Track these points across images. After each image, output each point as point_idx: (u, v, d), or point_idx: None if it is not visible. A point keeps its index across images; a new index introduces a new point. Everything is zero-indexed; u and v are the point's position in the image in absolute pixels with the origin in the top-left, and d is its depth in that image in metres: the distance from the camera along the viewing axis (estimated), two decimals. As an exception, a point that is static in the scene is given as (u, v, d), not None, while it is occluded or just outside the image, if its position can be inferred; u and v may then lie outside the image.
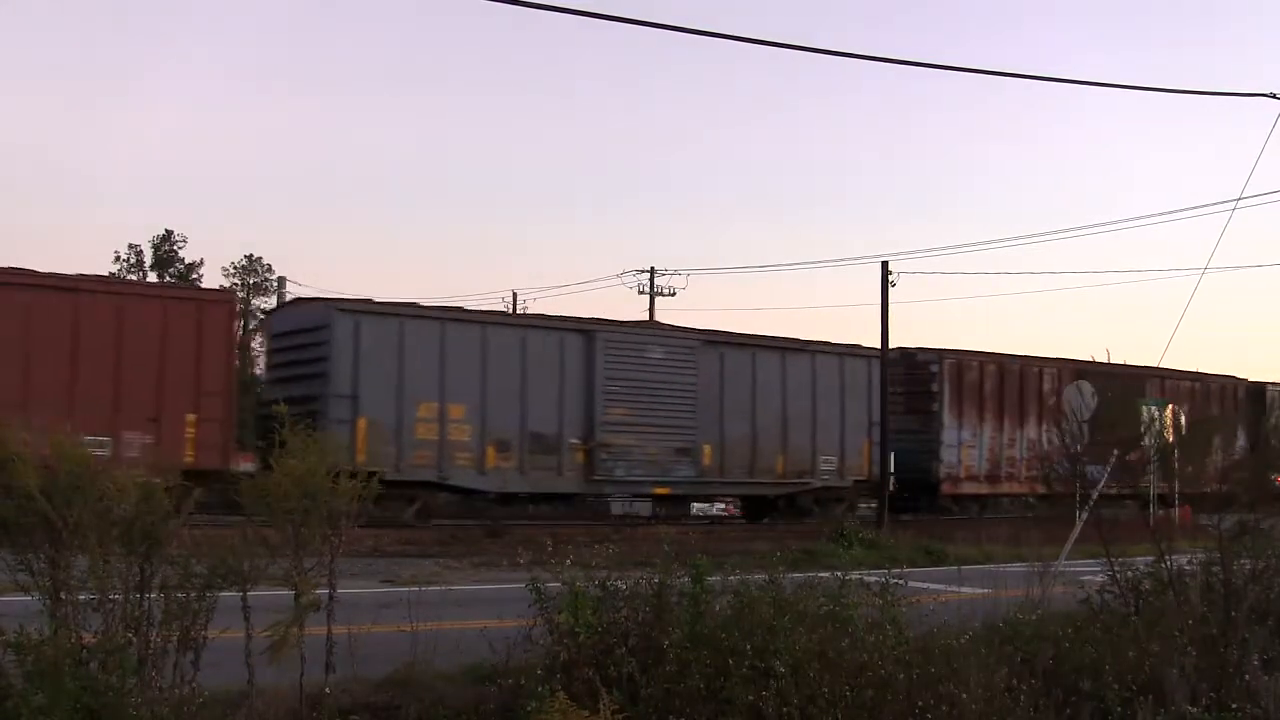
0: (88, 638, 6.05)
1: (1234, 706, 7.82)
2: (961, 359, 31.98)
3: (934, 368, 31.58)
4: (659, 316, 42.22)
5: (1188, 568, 9.68)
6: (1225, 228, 68.53)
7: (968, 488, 31.81)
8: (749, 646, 7.00)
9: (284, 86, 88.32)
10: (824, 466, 28.91)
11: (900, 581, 8.33)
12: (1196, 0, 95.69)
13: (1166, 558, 9.59)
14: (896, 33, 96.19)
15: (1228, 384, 36.87)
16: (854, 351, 29.88)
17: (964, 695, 7.08)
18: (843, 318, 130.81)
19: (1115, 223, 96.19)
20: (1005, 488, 32.67)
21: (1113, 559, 9.80)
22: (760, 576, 7.89)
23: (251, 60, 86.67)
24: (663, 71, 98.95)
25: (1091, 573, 10.85)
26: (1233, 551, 9.45)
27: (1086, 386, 19.12)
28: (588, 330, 25.93)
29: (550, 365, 25.01)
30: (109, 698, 5.75)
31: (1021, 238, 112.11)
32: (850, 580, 8.04)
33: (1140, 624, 8.75)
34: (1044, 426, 30.94)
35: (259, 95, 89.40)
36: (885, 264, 30.45)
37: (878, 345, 30.23)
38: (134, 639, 6.15)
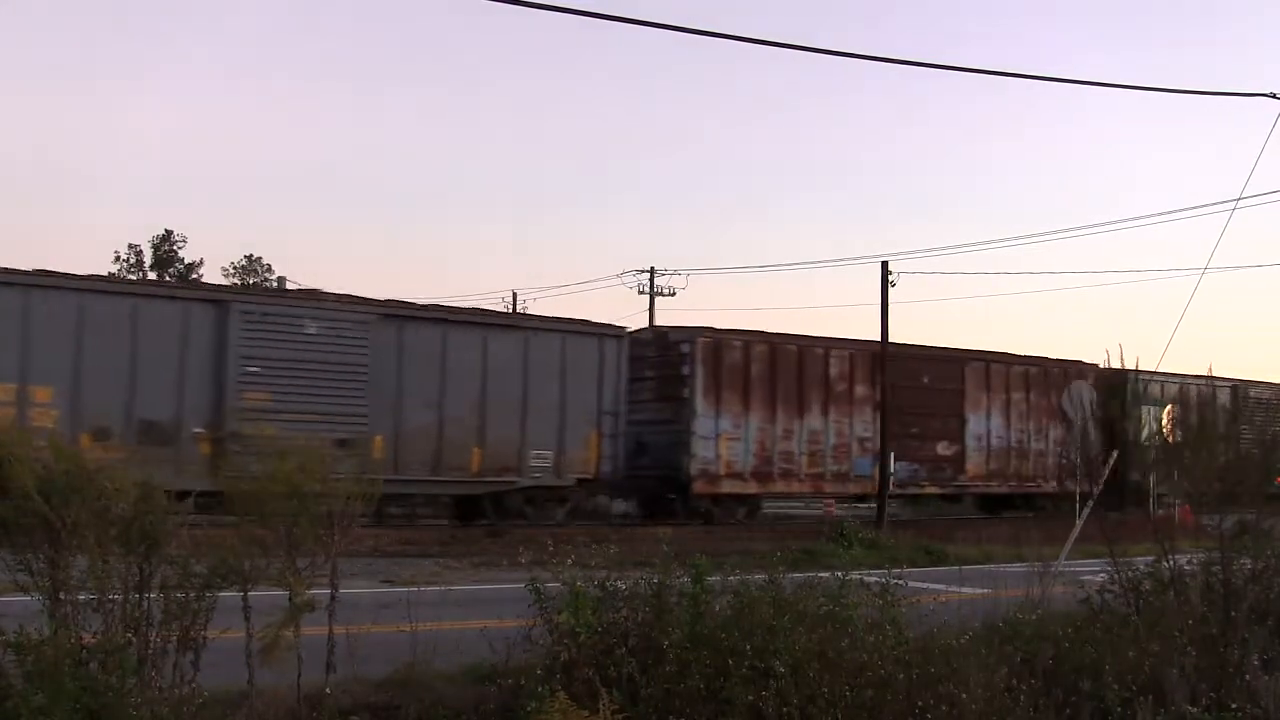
0: (87, 638, 6.05)
1: (1234, 706, 7.82)
2: (721, 338, 27.65)
3: (685, 348, 27.16)
4: (659, 317, 42.26)
5: (1188, 568, 9.68)
6: (1225, 228, 68.48)
7: (729, 487, 27.25)
8: (749, 647, 7.00)
9: (283, 86, 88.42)
10: (536, 462, 24.91)
11: (900, 581, 8.34)
12: (1196, 0, 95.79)
13: (1167, 558, 9.59)
14: (897, 33, 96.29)
15: (1072, 371, 31.62)
16: (581, 329, 25.86)
17: (964, 695, 7.09)
18: (843, 318, 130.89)
19: (1115, 223, 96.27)
20: (779, 487, 28.41)
21: (1113, 559, 9.80)
22: (760, 576, 7.90)
23: (251, 59, 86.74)
24: (663, 71, 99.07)
25: (1091, 573, 10.85)
26: (1233, 551, 9.46)
27: (1086, 389, 19.02)
28: (220, 300, 22.64)
29: (169, 341, 21.45)
30: (109, 698, 5.75)
31: (1021, 238, 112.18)
32: (850, 580, 8.04)
33: (1140, 624, 8.75)
34: (830, 417, 28.49)
35: (259, 95, 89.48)
36: (885, 264, 30.43)
37: (641, 326, 28.13)
38: (133, 639, 6.15)
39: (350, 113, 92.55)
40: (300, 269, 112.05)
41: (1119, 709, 7.69)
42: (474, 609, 9.93)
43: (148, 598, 6.26)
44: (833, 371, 28.97)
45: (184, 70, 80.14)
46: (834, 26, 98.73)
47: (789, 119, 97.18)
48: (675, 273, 47.49)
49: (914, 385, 30.19)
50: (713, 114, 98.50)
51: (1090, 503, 13.10)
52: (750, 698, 6.77)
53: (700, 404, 26.96)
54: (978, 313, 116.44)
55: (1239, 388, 31.64)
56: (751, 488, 28.05)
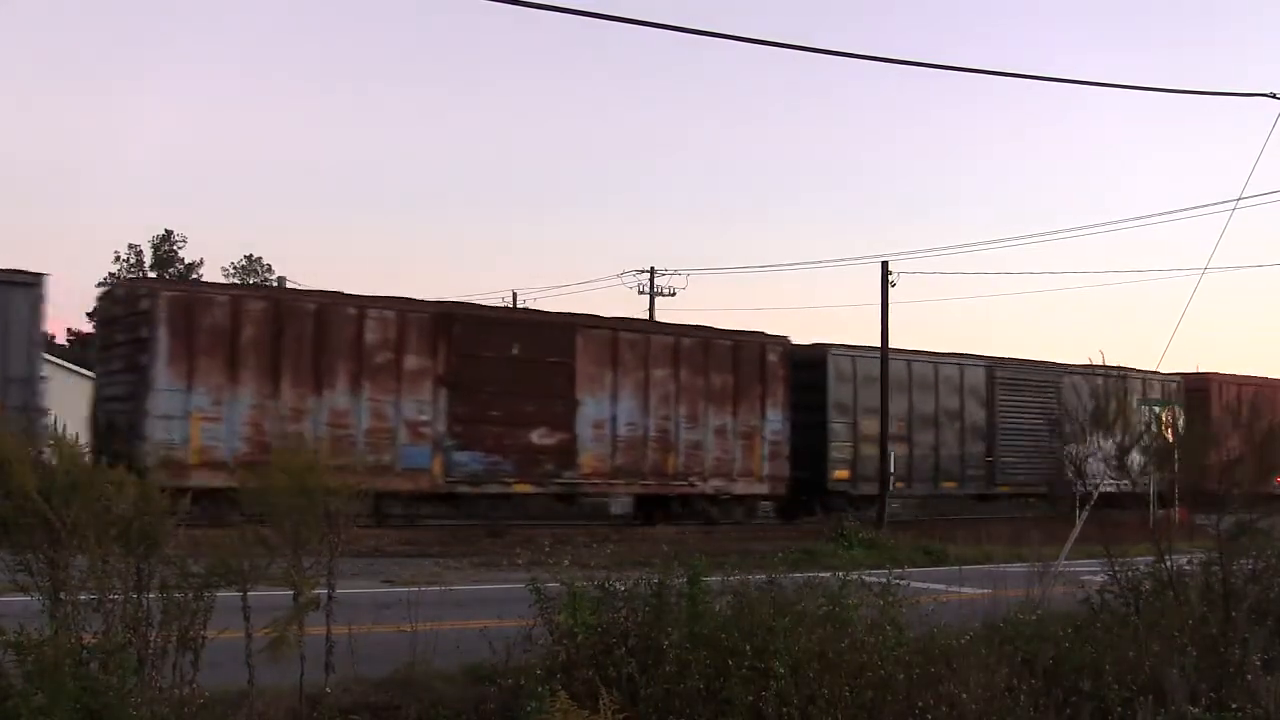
0: (88, 638, 6.06)
1: (1234, 706, 7.82)
2: (196, 294, 22.76)
3: (146, 304, 21.33)
4: (659, 316, 42.18)
5: (1187, 568, 9.69)
6: (1225, 228, 68.49)
7: (203, 479, 19.43)
8: (749, 647, 7.00)
9: (284, 86, 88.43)
10: None
11: (900, 582, 8.34)
12: (1196, 0, 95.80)
13: (1166, 558, 9.60)
14: (896, 33, 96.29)
15: (747, 344, 27.34)
16: None
17: (964, 695, 7.09)
18: (843, 318, 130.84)
19: (1115, 223, 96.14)
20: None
21: (1113, 559, 9.81)
22: (760, 577, 7.90)
23: (251, 60, 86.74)
24: (663, 71, 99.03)
25: (1091, 573, 10.86)
26: (1232, 551, 9.46)
27: (1084, 386, 18.97)
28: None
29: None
30: (109, 698, 5.76)
31: (1021, 238, 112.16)
32: (850, 580, 8.05)
33: (1140, 624, 8.75)
34: (366, 394, 22.47)
35: (259, 95, 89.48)
36: (885, 264, 30.39)
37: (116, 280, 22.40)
38: (133, 639, 6.15)
39: (350, 113, 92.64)
40: (300, 269, 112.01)
41: (1119, 709, 7.70)
42: (474, 609, 9.92)
43: (147, 598, 6.27)
44: (370, 338, 22.76)
45: (184, 70, 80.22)
46: (834, 26, 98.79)
47: (789, 119, 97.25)
48: (675, 273, 47.39)
49: (499, 357, 24.27)
50: (713, 114, 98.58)
51: (1090, 504, 13.09)
52: (750, 698, 6.77)
53: (163, 375, 20.97)
54: (978, 313, 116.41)
55: (993, 366, 31.47)
56: (238, 481, 21.92)
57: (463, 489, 23.78)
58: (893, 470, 28.65)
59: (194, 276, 53.68)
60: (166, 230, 55.70)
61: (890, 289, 30.07)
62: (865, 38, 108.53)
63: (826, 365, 28.72)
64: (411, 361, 23.26)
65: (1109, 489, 11.62)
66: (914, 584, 9.86)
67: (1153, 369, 28.14)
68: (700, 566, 7.59)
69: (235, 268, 57.08)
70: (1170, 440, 11.81)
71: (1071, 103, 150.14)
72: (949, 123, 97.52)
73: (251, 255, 57.58)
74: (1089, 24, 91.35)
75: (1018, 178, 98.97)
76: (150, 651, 6.21)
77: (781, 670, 6.87)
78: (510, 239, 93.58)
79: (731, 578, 7.82)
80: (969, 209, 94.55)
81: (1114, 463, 10.62)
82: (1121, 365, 24.28)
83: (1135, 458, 10.65)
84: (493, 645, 7.59)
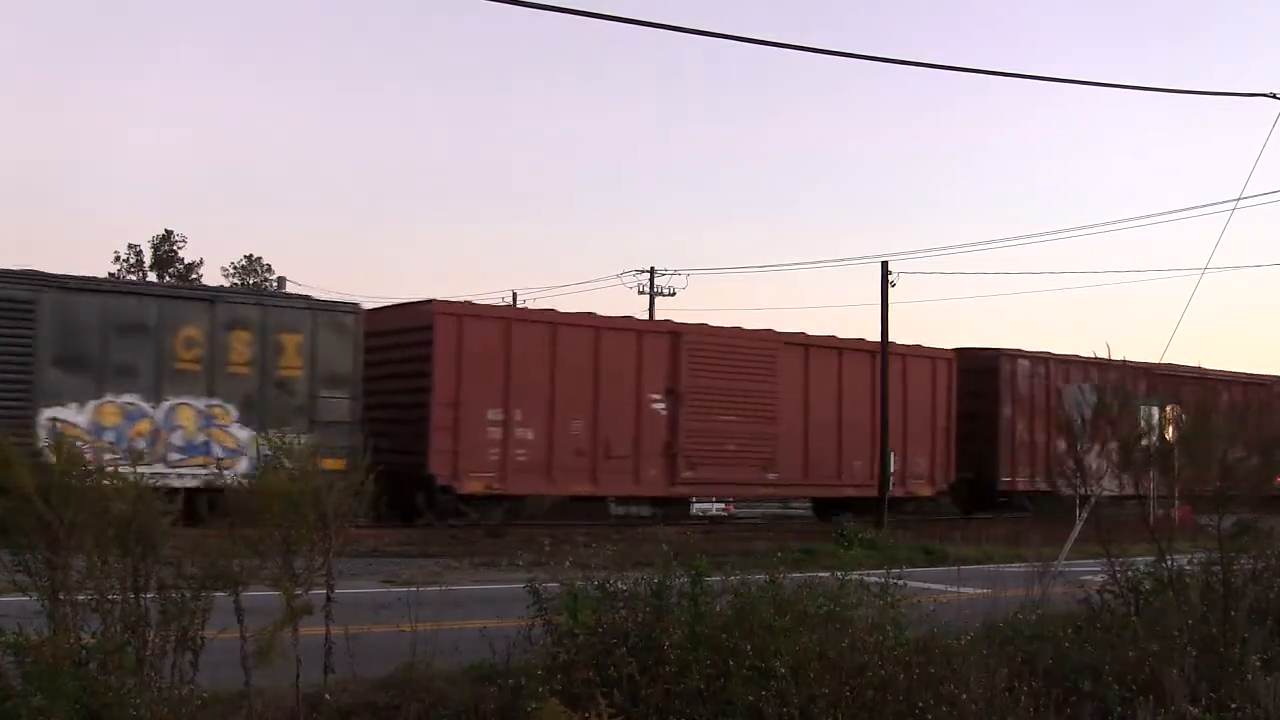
0: (86, 638, 6.05)
1: (1234, 706, 7.82)
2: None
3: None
4: (659, 316, 42.20)
5: (1188, 568, 9.69)
6: (1225, 228, 68.52)
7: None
8: (749, 647, 6.99)
9: (284, 85, 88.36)
10: None
11: (900, 582, 8.34)
12: (1196, 0, 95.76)
13: (1166, 557, 9.59)
14: (896, 32, 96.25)
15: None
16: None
17: (964, 695, 7.08)
18: (843, 318, 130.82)
19: (1115, 223, 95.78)
20: None
21: (1112, 559, 9.81)
22: (760, 577, 7.89)
23: (251, 59, 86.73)
24: (663, 71, 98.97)
25: (1091, 573, 10.85)
26: (1232, 551, 9.46)
27: (1086, 385, 18.92)
28: None
29: None
30: (108, 698, 5.75)
31: (1021, 238, 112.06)
32: (850, 580, 8.04)
33: (1140, 624, 8.75)
34: None
35: (259, 95, 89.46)
36: (885, 264, 30.34)
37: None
38: (132, 640, 6.15)
39: (350, 113, 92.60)
40: (300, 269, 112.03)
41: (1119, 709, 7.69)
42: (474, 609, 9.92)
43: (145, 598, 6.26)
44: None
45: (184, 70, 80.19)
46: (834, 26, 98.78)
47: (789, 119, 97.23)
48: (675, 273, 47.40)
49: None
50: (713, 113, 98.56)
51: (1089, 505, 13.07)
52: (750, 698, 6.77)
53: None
54: (978, 312, 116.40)
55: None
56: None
57: None
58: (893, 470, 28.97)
59: (193, 277, 53.63)
60: (166, 230, 55.53)
61: (890, 289, 30.07)
62: (865, 38, 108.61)
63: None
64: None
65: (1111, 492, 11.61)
66: (914, 584, 9.86)
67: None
68: (703, 567, 7.59)
69: (235, 268, 57.04)
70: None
71: (1071, 103, 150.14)
72: (949, 122, 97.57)
73: (251, 255, 57.48)
74: (1089, 24, 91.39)
75: (1018, 178, 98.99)
76: (149, 652, 6.20)
77: (782, 670, 6.86)
78: (510, 239, 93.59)
79: (732, 577, 7.82)
80: (969, 209, 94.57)
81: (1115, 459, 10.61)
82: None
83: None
84: (493, 645, 7.59)
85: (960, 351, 30.92)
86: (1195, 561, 9.70)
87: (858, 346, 28.72)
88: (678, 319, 27.57)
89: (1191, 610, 8.90)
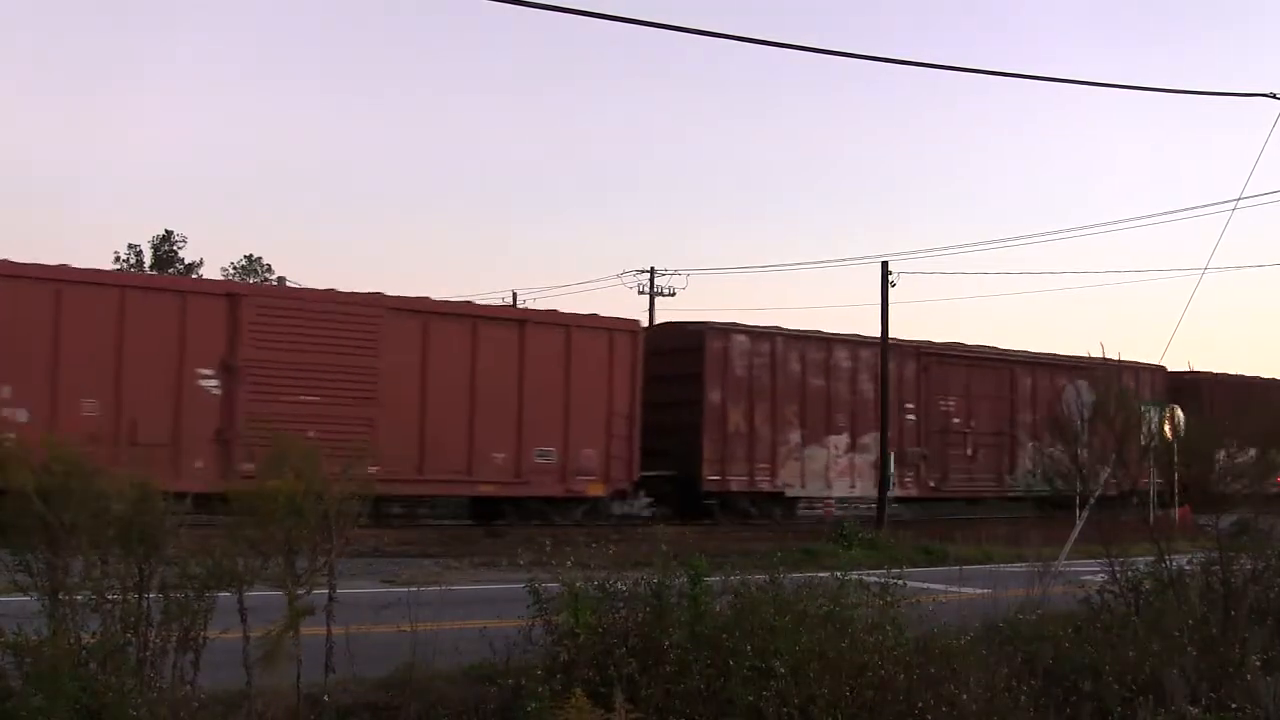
0: (86, 638, 6.05)
1: (1234, 706, 7.82)
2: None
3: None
4: (659, 316, 42.20)
5: (1188, 568, 9.69)
6: (1225, 228, 68.48)
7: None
8: (749, 647, 6.99)
9: (284, 85, 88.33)
10: None
11: (900, 582, 8.34)
12: (1196, 0, 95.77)
13: (1166, 558, 9.60)
14: (896, 32, 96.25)
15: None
16: None
17: (964, 695, 7.09)
18: (844, 317, 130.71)
19: (1115, 223, 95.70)
20: None
21: (1112, 559, 9.81)
22: (760, 577, 7.89)
23: (251, 60, 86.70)
24: (663, 71, 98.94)
25: (1091, 573, 10.85)
26: (1232, 551, 9.46)
27: (1085, 386, 18.91)
28: None
29: None
30: (108, 698, 5.75)
31: (1021, 238, 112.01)
32: (850, 580, 8.04)
33: (1140, 624, 8.75)
34: None
35: (259, 95, 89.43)
36: (885, 264, 30.35)
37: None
38: (133, 640, 6.14)
39: (349, 113, 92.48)
40: (300, 269, 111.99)
41: (1119, 709, 7.70)
42: (474, 609, 9.91)
43: (146, 598, 6.26)
44: None
45: (184, 70, 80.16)
46: (834, 26, 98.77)
47: (789, 118, 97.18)
48: (675, 273, 47.36)
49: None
50: (713, 113, 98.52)
51: (1089, 505, 13.07)
52: (751, 698, 6.77)
53: None
54: (978, 312, 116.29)
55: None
56: None
57: None
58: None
59: (193, 277, 53.64)
60: (166, 230, 55.49)
61: (890, 289, 30.06)
62: (865, 38, 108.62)
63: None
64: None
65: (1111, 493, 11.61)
66: (914, 584, 9.86)
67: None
68: (702, 567, 7.59)
69: (235, 268, 57.04)
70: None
71: (1071, 103, 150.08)
72: (949, 122, 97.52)
73: (251, 255, 57.46)
74: (1089, 24, 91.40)
75: (1017, 178, 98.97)
76: (149, 652, 6.20)
77: (782, 670, 6.86)
78: (510, 239, 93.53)
79: (732, 577, 7.82)
80: (969, 209, 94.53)
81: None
82: None
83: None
84: (493, 645, 7.59)
85: (658, 327, 28.24)
86: (1195, 561, 9.70)
87: (496, 314, 25.67)
88: (677, 319, 27.19)
89: (1191, 610, 8.91)
